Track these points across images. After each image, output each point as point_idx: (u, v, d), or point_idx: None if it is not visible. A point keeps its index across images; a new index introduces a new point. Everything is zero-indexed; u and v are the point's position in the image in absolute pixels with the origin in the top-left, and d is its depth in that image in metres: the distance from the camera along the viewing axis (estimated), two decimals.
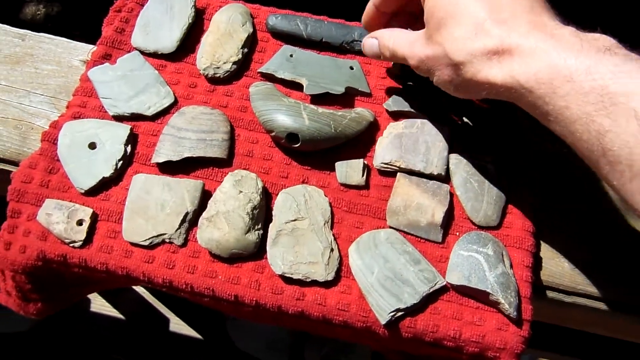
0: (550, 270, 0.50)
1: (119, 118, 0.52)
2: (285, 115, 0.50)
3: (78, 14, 1.60)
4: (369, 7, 0.53)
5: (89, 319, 1.11)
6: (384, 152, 0.52)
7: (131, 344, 1.14)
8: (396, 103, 0.55)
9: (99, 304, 1.11)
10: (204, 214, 0.48)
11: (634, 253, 0.51)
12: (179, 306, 1.13)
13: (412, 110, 0.54)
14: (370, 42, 0.51)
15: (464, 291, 0.47)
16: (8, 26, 0.58)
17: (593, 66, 0.35)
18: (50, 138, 0.50)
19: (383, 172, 0.52)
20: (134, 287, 1.10)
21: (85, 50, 0.57)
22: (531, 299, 0.47)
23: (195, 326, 1.13)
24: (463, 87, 0.43)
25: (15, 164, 0.52)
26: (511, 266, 0.48)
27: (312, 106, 0.51)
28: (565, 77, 0.36)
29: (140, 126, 0.52)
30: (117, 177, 0.50)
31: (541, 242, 0.51)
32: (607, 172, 0.36)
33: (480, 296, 0.47)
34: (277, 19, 0.58)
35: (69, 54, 0.57)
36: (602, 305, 0.50)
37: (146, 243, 0.47)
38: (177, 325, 1.13)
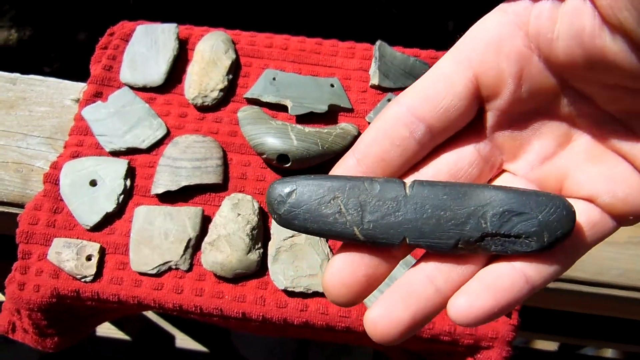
0: None
1: (115, 153, 0.54)
2: (274, 137, 0.53)
3: (51, 36, 1.60)
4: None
5: (96, 343, 1.13)
6: None
7: None
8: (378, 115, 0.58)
9: (105, 328, 1.12)
10: (206, 239, 0.51)
11: None
12: (183, 322, 1.15)
13: None
14: None
15: None
16: None
17: None
18: (51, 179, 0.52)
19: None
20: None
21: (75, 89, 0.59)
22: None
23: (201, 340, 1.16)
24: None
25: (19, 206, 0.54)
26: None
27: (299, 126, 0.54)
28: None
29: (137, 159, 0.55)
30: (119, 211, 0.52)
31: None
32: None
33: None
34: None
35: (60, 94, 0.59)
36: (585, 288, 0.54)
37: (154, 271, 0.50)
38: (183, 340, 1.16)
